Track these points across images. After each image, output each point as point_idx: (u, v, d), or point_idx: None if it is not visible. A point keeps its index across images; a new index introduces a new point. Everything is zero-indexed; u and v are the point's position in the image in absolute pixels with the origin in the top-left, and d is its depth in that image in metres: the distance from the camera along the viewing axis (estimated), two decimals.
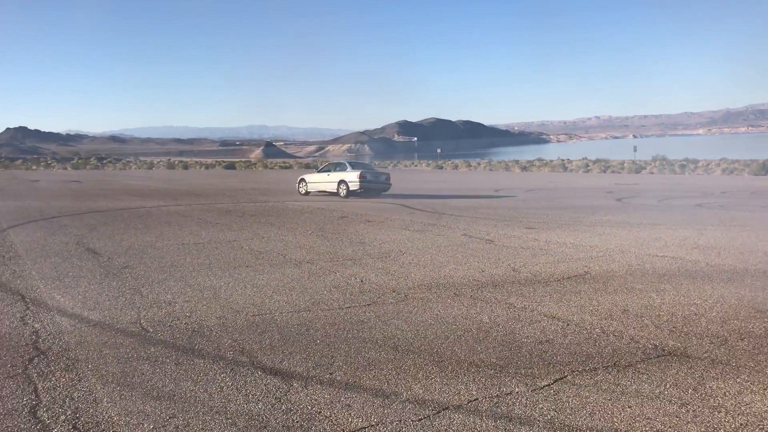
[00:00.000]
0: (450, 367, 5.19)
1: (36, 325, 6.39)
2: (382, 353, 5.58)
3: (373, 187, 27.28)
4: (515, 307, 7.27)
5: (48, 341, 5.86)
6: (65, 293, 7.83)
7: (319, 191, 28.67)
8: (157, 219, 17.03)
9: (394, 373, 5.08)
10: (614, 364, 5.28)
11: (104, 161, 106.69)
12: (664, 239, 12.80)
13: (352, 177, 26.63)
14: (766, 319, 6.67)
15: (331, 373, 5.07)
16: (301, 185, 29.51)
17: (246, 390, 4.71)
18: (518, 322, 6.60)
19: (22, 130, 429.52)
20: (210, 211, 19.68)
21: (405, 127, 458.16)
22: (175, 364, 5.25)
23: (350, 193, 26.52)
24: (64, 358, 5.36)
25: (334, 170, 28.19)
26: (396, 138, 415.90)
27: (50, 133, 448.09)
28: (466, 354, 5.54)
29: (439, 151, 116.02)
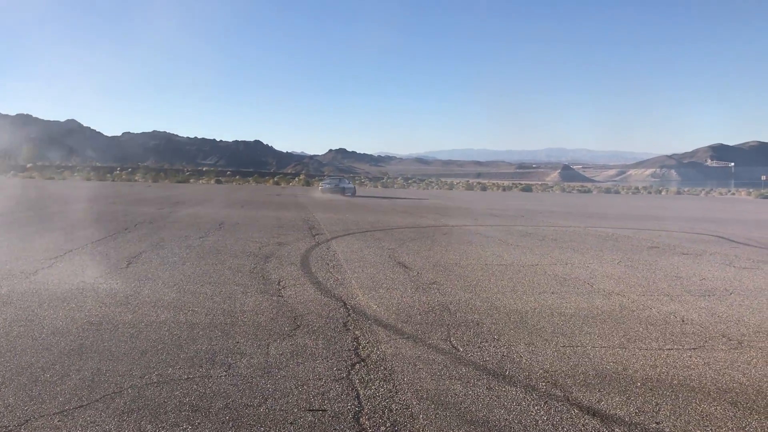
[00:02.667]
0: None
1: (356, 332, 6.79)
2: (718, 408, 4.83)
3: (334, 192, 50.47)
4: None
5: (367, 349, 6.17)
6: (380, 303, 8.27)
7: (321, 192, 52.40)
8: (459, 238, 17.48)
9: None
10: None
11: (409, 181, 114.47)
12: None
13: (322, 185, 53.74)
14: None
15: (657, 423, 4.51)
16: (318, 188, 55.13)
17: (562, 427, 4.39)
18: None
19: (342, 152, 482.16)
20: (510, 232, 19.68)
21: (720, 150, 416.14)
22: (487, 388, 5.13)
23: (322, 193, 50.72)
24: (382, 368, 5.57)
25: (320, 181, 55.37)
26: (709, 163, 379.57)
27: (364, 155, 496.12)
28: None
29: (764, 178, 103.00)
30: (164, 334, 6.56)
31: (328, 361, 5.75)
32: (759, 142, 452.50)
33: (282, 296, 8.61)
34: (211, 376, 5.27)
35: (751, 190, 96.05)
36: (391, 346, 6.27)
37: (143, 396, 4.81)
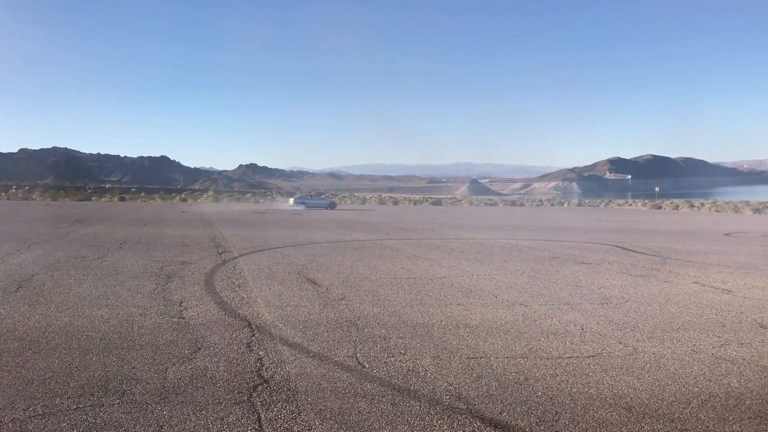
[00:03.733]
0: None
1: (260, 353, 6.62)
2: (614, 414, 4.97)
3: (306, 206, 64.09)
4: None
5: (271, 370, 6.01)
6: (287, 322, 8.11)
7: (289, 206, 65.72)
8: (370, 252, 17.51)
9: None
10: None
11: (322, 195, 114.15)
12: None
13: (290, 201, 69.02)
14: None
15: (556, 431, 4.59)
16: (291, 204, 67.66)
17: None
18: None
19: (253, 167, 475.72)
20: (419, 246, 19.88)
21: (617, 164, 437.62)
22: (392, 404, 5.09)
23: (293, 207, 63.94)
24: (286, 389, 5.43)
25: (291, 198, 70.32)
26: (607, 176, 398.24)
27: (276, 170, 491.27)
28: (714, 424, 4.76)
29: (657, 189, 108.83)
30: (54, 361, 6.18)
31: (229, 383, 5.56)
32: (653, 155, 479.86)
33: (183, 317, 8.30)
34: (103, 405, 4.99)
35: (646, 201, 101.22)
36: (296, 366, 6.14)
37: (25, 430, 4.48)
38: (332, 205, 67.19)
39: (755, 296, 10.70)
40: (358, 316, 8.58)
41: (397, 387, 5.54)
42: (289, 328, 7.74)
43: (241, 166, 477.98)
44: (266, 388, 5.46)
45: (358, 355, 6.59)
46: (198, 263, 14.15)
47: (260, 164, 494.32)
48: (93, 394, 5.23)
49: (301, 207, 62.98)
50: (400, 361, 6.39)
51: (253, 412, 4.87)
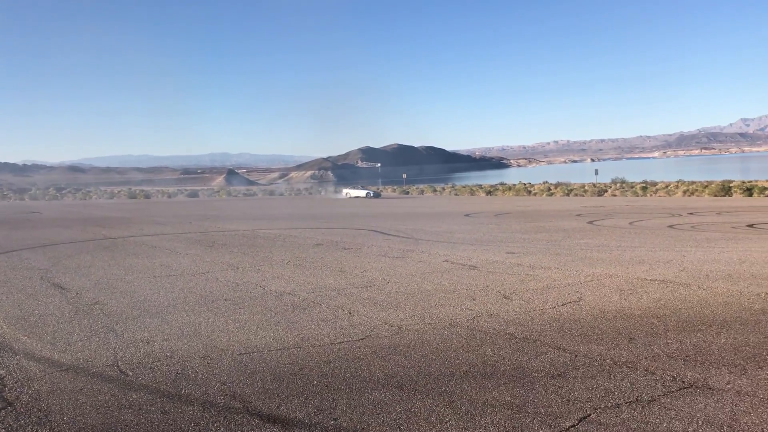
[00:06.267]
0: (464, 408, 4.80)
1: (1, 372, 5.81)
2: (387, 394, 5.15)
3: (357, 195, 72.61)
4: (516, 337, 6.91)
5: (16, 390, 5.30)
6: (31, 334, 7.24)
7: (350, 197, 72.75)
8: (123, 250, 16.35)
9: (405, 416, 4.66)
10: (636, 399, 4.95)
11: (63, 191, 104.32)
12: (648, 262, 12.63)
13: (347, 189, 79.06)
14: None
15: (335, 419, 4.63)
16: (345, 193, 76.35)
17: None
18: (524, 355, 6.24)
19: None
20: (177, 240, 19.04)
21: (368, 153, 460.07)
22: (162, 412, 4.76)
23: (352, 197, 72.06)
24: (36, 410, 4.82)
25: (351, 188, 79.46)
26: (359, 164, 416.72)
27: (5, 164, 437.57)
28: (477, 392, 5.15)
29: (404, 176, 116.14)
30: None
31: None
32: (399, 144, 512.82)
33: None
34: None
35: (395, 187, 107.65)
36: (46, 383, 5.48)
37: None
38: (375, 195, 74.50)
39: (497, 270, 11.84)
40: (116, 320, 7.94)
41: (166, 393, 5.20)
42: (35, 341, 6.91)
43: None
44: (12, 411, 4.79)
45: (120, 363, 6.08)
46: None
47: None
48: None
49: (347, 196, 74.16)
50: (167, 365, 6.01)
51: None
